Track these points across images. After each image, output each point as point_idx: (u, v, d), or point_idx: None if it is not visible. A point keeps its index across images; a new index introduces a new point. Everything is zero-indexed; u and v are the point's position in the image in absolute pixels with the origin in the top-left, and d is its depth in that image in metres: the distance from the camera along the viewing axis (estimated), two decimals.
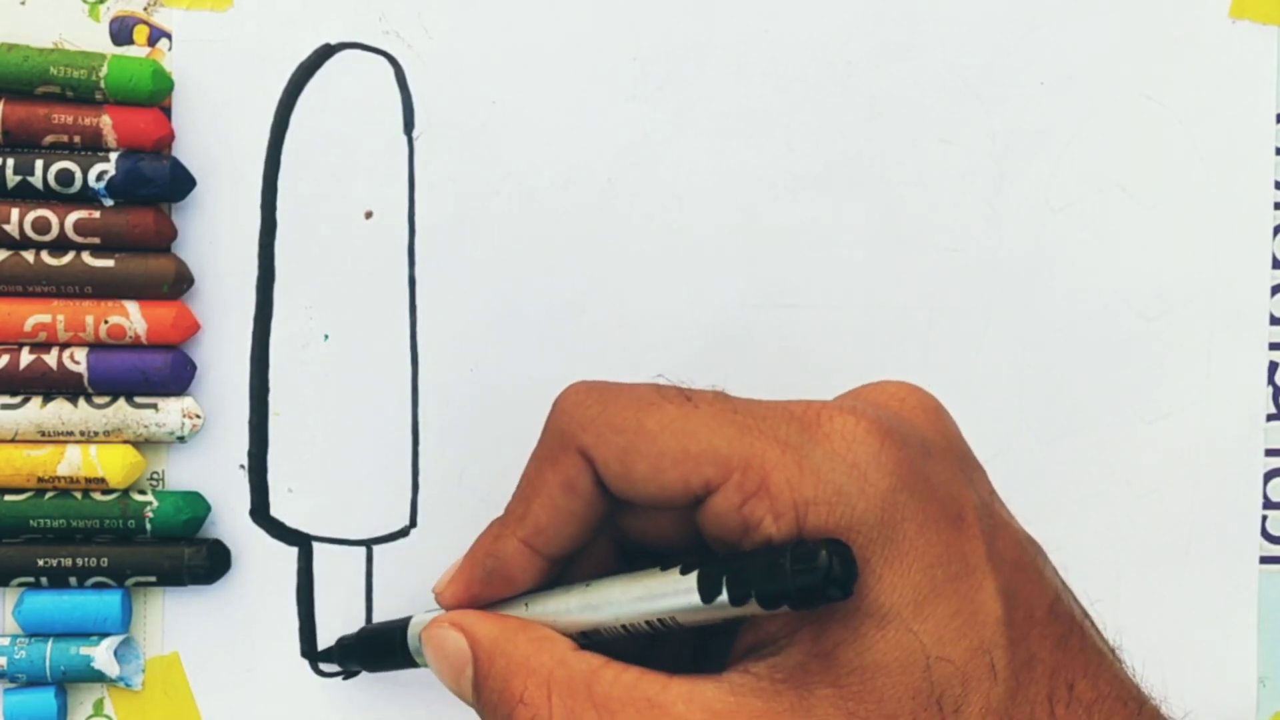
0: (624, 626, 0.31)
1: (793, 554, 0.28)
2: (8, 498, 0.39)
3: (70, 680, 0.40)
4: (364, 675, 0.41)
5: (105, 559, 0.39)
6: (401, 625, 0.37)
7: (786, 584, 0.28)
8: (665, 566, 0.31)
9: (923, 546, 0.30)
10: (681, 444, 0.30)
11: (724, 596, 0.29)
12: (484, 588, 0.34)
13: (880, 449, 0.30)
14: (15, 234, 0.39)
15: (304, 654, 0.41)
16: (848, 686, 0.29)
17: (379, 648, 0.38)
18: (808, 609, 0.29)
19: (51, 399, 0.40)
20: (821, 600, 0.28)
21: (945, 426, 0.33)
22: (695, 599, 0.30)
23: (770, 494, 0.29)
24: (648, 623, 0.31)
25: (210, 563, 0.40)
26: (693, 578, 0.30)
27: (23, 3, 0.40)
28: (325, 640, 0.41)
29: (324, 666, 0.41)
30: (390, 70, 0.41)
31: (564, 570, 0.34)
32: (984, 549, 0.31)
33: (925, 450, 0.31)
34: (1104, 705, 0.31)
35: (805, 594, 0.28)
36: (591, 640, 0.32)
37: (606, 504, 0.33)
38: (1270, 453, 0.44)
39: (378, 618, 0.41)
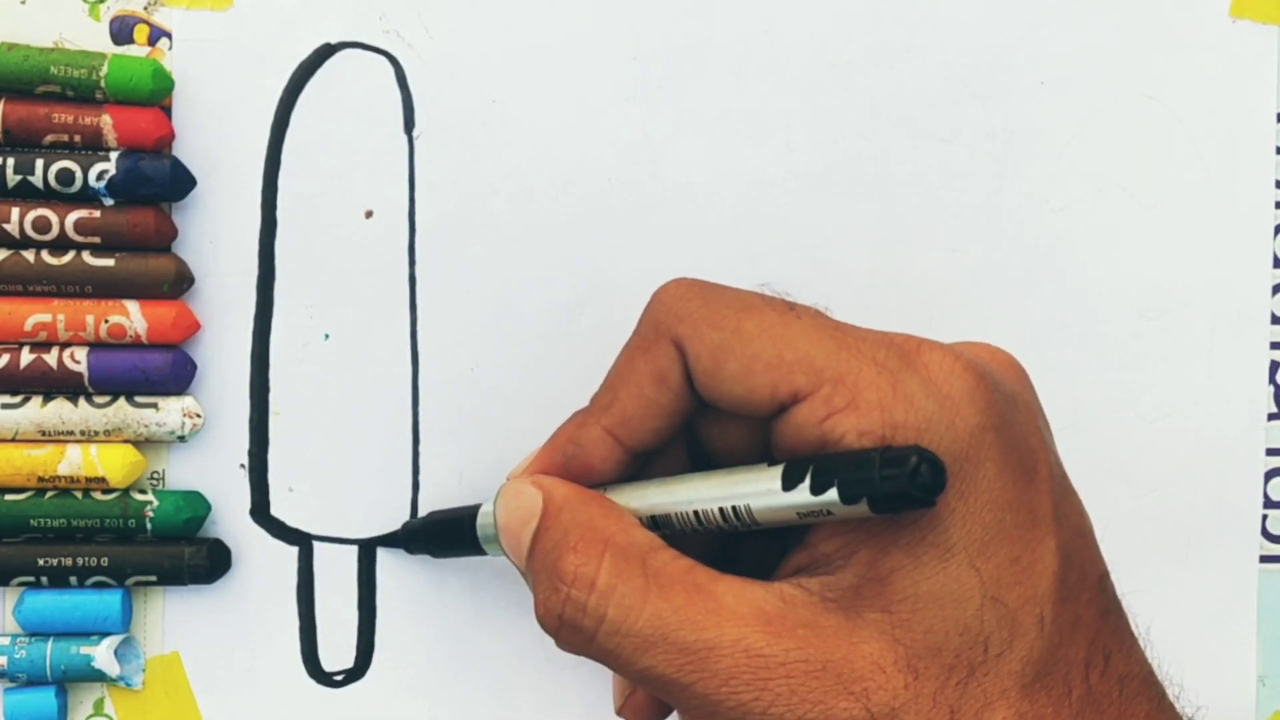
0: (696, 514, 0.31)
1: (883, 455, 0.28)
2: (8, 497, 0.39)
3: (70, 680, 0.40)
4: (362, 683, 0.41)
5: (105, 558, 0.39)
6: (471, 511, 0.37)
7: (873, 479, 0.28)
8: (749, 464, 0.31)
9: (998, 489, 0.30)
10: (777, 349, 0.31)
11: (805, 484, 0.29)
12: (561, 474, 0.34)
13: (974, 388, 0.30)
14: (15, 233, 0.39)
15: (306, 670, 0.41)
16: (898, 613, 0.30)
17: (447, 532, 0.38)
18: (888, 511, 0.29)
19: (52, 398, 0.40)
20: (904, 504, 0.28)
21: (1029, 387, 0.33)
22: (776, 486, 0.30)
23: (859, 411, 0.30)
24: (721, 512, 0.31)
25: (210, 562, 0.40)
26: (777, 469, 0.30)
27: (23, 2, 0.40)
28: (326, 640, 0.41)
29: (324, 669, 0.41)
30: (390, 70, 0.41)
31: (639, 471, 0.34)
32: (1052, 506, 0.31)
33: (1012, 401, 0.31)
34: (1133, 683, 0.31)
35: (890, 494, 0.28)
36: (660, 534, 0.32)
37: (693, 401, 0.33)
38: (1270, 452, 0.44)
39: (379, 618, 0.41)
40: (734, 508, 0.31)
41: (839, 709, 0.29)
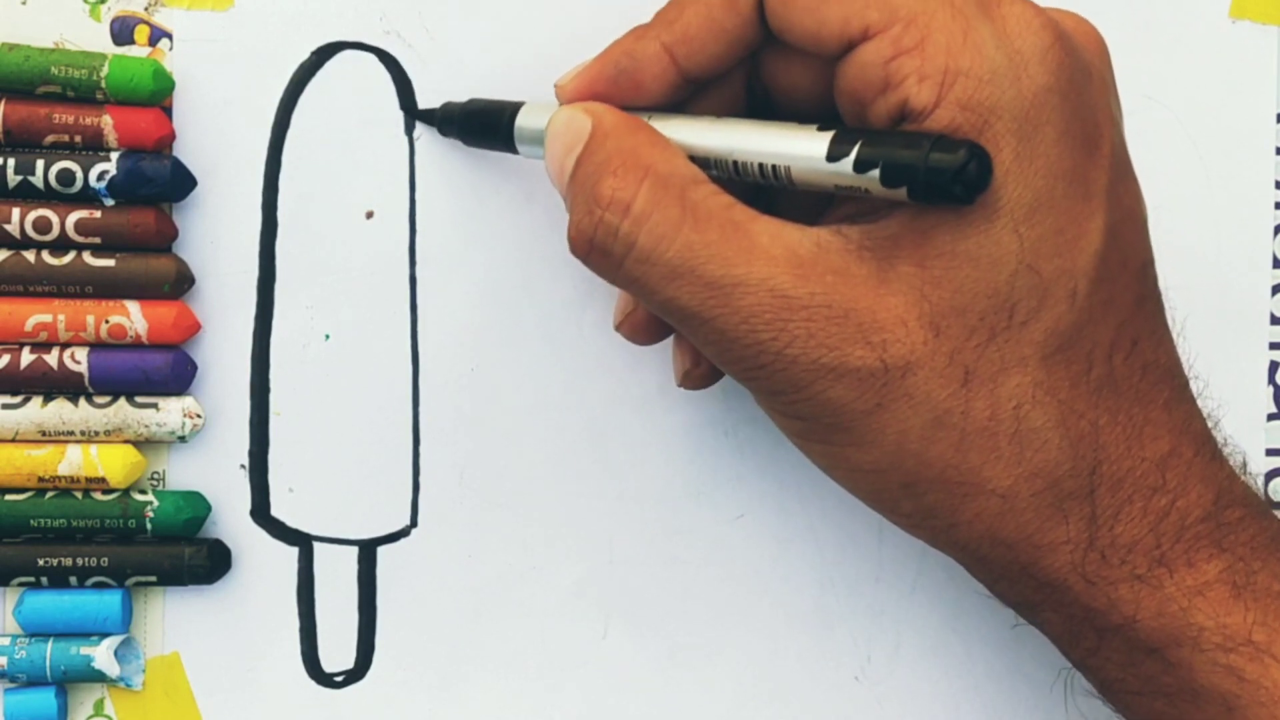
0: (735, 164, 0.31)
1: (935, 142, 0.28)
2: (8, 497, 0.39)
3: (70, 680, 0.40)
4: (363, 684, 0.41)
5: (106, 559, 0.39)
6: (513, 107, 0.37)
7: (917, 166, 0.28)
8: (802, 122, 0.30)
9: (1055, 156, 0.29)
10: None
11: (850, 159, 0.29)
12: (610, 87, 0.33)
13: (1050, 47, 0.30)
14: (16, 234, 0.39)
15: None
16: (931, 269, 0.29)
17: (485, 121, 0.38)
18: (925, 201, 0.28)
19: (52, 398, 0.40)
20: (943, 196, 0.28)
21: (1108, 63, 0.33)
22: (820, 153, 0.29)
23: (924, 53, 0.29)
24: (760, 167, 0.30)
25: (211, 562, 0.40)
26: (827, 135, 0.29)
27: (24, 2, 0.40)
28: (326, 641, 0.41)
29: (325, 670, 0.41)
30: (390, 71, 0.41)
31: (689, 102, 0.33)
32: (1107, 183, 0.30)
33: (1086, 71, 0.31)
34: (1156, 371, 0.31)
35: (931, 184, 0.28)
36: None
37: (759, 32, 0.32)
38: (1271, 453, 0.43)
39: (380, 618, 0.41)
40: (774, 166, 0.30)
41: (854, 356, 0.30)
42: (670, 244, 0.30)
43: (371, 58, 0.41)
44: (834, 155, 0.29)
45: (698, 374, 0.37)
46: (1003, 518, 0.31)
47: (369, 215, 0.41)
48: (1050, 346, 0.30)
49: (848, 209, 0.31)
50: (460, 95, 0.41)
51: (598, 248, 0.31)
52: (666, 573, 0.42)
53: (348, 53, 0.41)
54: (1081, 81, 0.30)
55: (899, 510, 0.33)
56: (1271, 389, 0.43)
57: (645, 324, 0.37)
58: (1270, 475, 0.44)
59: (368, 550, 0.41)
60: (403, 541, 0.41)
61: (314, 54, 0.41)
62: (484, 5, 0.41)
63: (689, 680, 0.42)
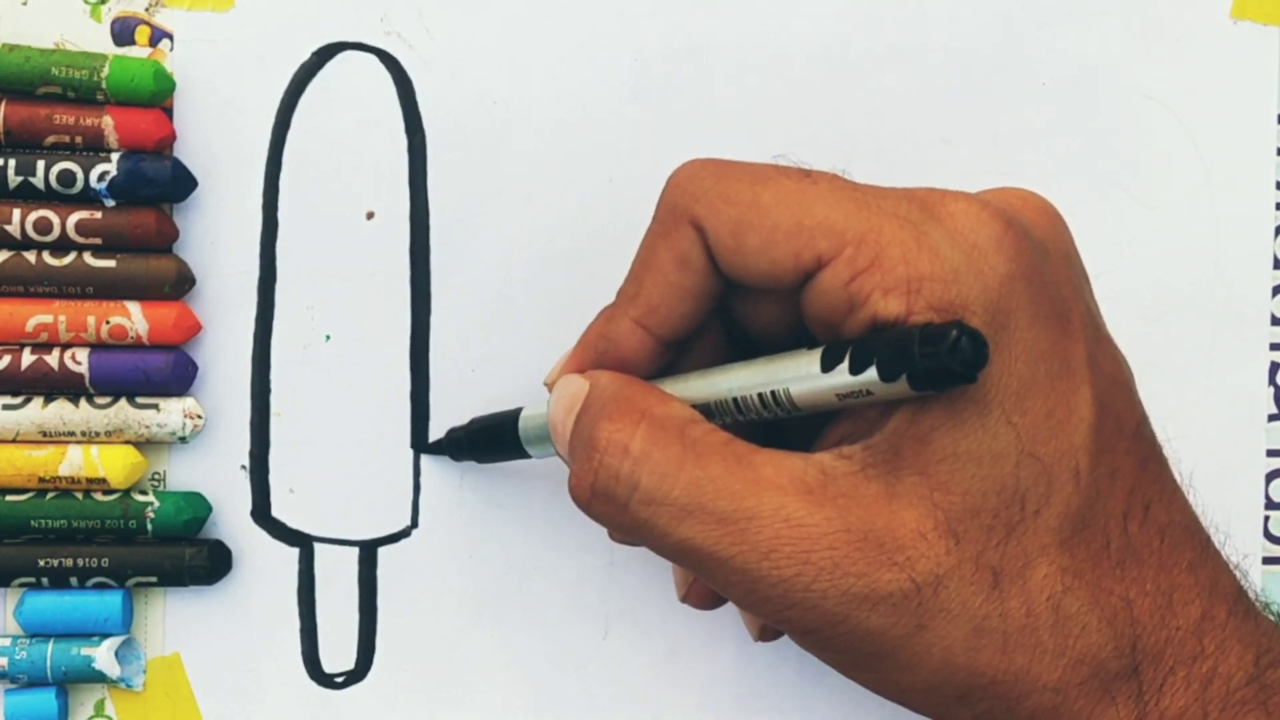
0: (735, 402, 0.31)
1: (922, 331, 0.28)
2: (9, 498, 0.39)
3: (71, 681, 0.40)
4: (363, 685, 0.41)
5: (106, 559, 0.39)
6: (513, 414, 0.37)
7: (912, 356, 0.27)
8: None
9: (1030, 339, 0.29)
10: (796, 218, 0.30)
11: (844, 364, 0.29)
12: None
13: (1002, 235, 0.29)
14: (17, 234, 0.39)
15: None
16: (935, 475, 0.29)
17: (490, 437, 0.38)
18: (928, 389, 0.28)
19: (53, 399, 0.40)
20: (946, 380, 0.28)
21: (1063, 232, 0.32)
22: (814, 368, 0.29)
23: (883, 268, 0.29)
24: (760, 397, 0.30)
25: (211, 563, 0.40)
26: (816, 351, 0.30)
27: (24, 3, 0.40)
28: (326, 642, 0.41)
29: (325, 671, 0.41)
30: (391, 71, 0.41)
31: (676, 362, 0.34)
32: (1085, 355, 0.30)
33: (1043, 249, 0.31)
34: (1174, 532, 0.31)
35: (930, 369, 0.27)
36: None
37: (719, 282, 0.32)
38: (1271, 453, 0.43)
39: (380, 619, 0.41)
40: (773, 392, 0.30)
41: (883, 580, 0.29)
42: (675, 482, 0.30)
43: (372, 58, 0.41)
44: (828, 365, 0.29)
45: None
46: (1057, 710, 0.30)
47: (369, 215, 0.41)
48: (1067, 530, 0.30)
49: (843, 429, 0.31)
50: (461, 96, 0.41)
51: (600, 493, 0.31)
52: (666, 573, 0.42)
53: (348, 53, 0.41)
54: (1040, 261, 0.30)
55: (957, 719, 0.32)
56: (1272, 389, 0.43)
57: (709, 590, 0.36)
58: (1271, 476, 0.44)
59: (368, 551, 0.41)
60: (403, 542, 0.41)
61: (314, 54, 0.41)
62: (484, 6, 0.41)
63: (689, 680, 0.42)
